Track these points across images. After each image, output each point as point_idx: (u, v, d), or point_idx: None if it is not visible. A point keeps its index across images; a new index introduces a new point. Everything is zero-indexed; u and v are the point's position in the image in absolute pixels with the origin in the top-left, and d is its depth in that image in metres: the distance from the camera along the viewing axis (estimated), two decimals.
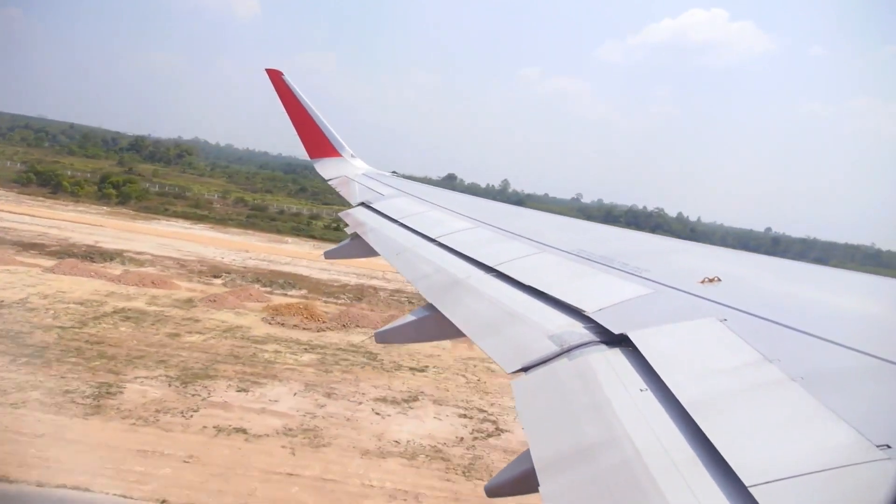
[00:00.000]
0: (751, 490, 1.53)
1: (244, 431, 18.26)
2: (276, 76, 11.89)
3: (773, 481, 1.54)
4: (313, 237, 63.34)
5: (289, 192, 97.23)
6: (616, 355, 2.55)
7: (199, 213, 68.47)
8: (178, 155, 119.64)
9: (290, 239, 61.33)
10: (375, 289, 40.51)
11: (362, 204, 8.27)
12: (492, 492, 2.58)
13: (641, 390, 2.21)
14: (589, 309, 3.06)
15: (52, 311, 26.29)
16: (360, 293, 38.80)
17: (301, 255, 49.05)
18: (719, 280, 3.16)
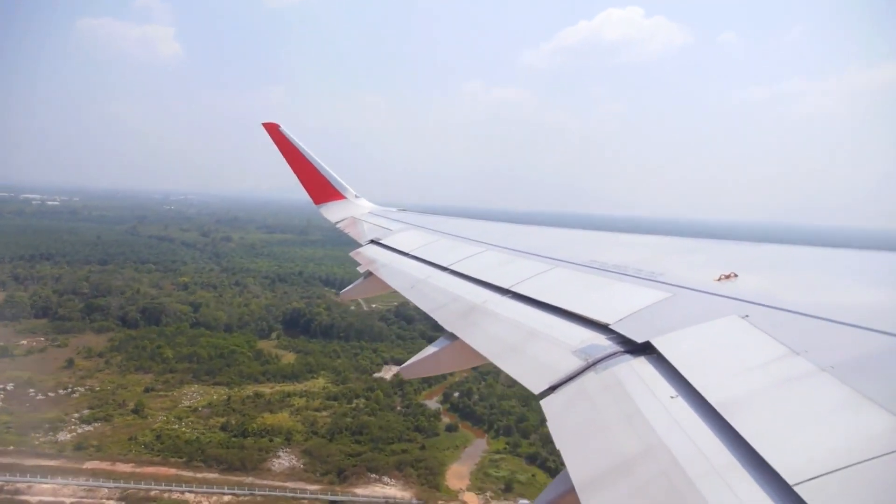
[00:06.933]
0: (795, 489, 1.50)
1: None
2: (273, 129, 12.12)
3: (817, 477, 1.51)
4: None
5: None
6: (642, 364, 2.53)
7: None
8: None
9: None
10: None
11: (372, 241, 8.33)
12: None
13: (672, 397, 2.18)
14: (609, 320, 3.04)
15: None
16: None
17: None
18: (735, 276, 3.13)
